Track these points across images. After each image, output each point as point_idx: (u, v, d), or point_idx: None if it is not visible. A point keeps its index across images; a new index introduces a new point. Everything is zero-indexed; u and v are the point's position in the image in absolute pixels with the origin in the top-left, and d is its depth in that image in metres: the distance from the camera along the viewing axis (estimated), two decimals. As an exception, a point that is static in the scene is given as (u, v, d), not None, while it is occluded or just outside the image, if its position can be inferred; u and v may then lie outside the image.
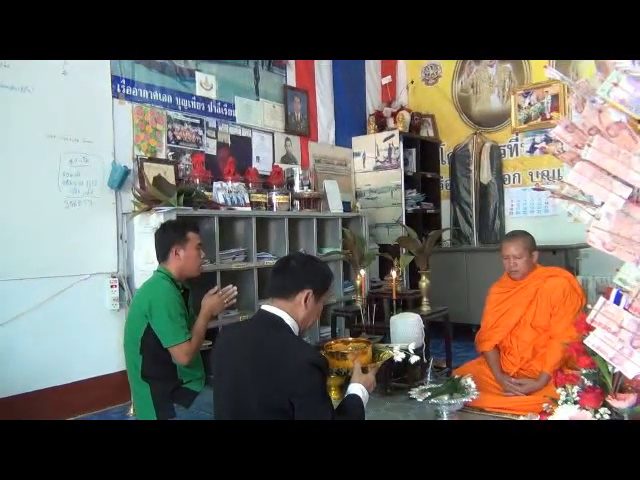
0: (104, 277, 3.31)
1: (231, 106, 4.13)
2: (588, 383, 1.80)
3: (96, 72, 3.30)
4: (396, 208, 5.12)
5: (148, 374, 2.43)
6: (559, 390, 1.88)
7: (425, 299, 3.58)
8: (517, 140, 5.37)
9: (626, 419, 1.70)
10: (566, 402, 1.82)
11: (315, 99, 4.91)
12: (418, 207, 5.41)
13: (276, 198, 4.05)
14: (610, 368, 1.72)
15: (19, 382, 2.93)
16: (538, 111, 5.22)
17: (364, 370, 2.01)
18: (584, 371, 1.81)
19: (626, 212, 1.56)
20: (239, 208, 3.59)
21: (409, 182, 5.30)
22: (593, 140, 1.47)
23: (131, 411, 3.10)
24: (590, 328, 1.89)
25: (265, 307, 1.90)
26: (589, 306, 1.55)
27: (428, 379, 2.95)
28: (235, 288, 2.73)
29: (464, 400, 2.66)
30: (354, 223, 4.52)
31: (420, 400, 2.67)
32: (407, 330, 3.24)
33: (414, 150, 5.42)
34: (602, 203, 1.92)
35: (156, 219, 3.11)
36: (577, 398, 1.78)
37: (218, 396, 1.88)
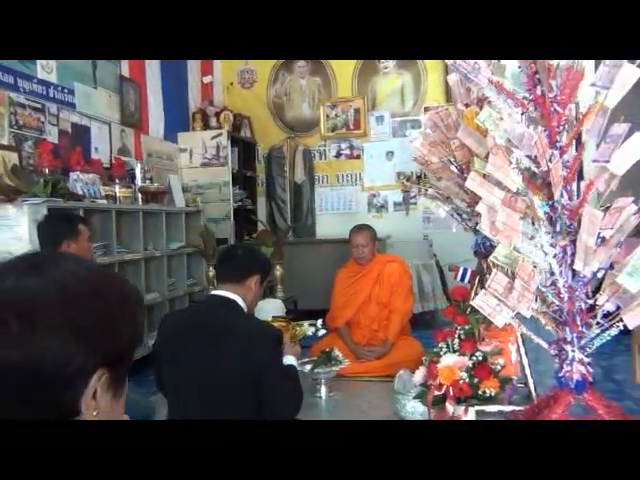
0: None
1: (71, 92, 3.88)
2: (463, 336, 2.44)
3: None
4: (224, 204, 5.36)
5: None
6: (441, 344, 2.48)
7: (279, 286, 3.98)
8: (325, 146, 6.10)
9: (489, 359, 2.38)
10: (448, 351, 2.43)
11: (146, 91, 4.86)
12: (240, 203, 5.74)
13: (120, 191, 3.96)
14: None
15: None
16: (343, 122, 6.02)
17: (290, 344, 2.35)
18: (459, 327, 2.45)
19: (501, 209, 2.22)
20: (98, 200, 3.47)
21: (233, 179, 5.59)
22: (490, 158, 2.08)
23: None
24: (463, 296, 2.57)
25: (217, 292, 2.09)
26: (488, 275, 2.17)
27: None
28: None
29: (341, 367, 3.16)
30: (193, 218, 4.65)
31: (305, 371, 3.06)
32: (273, 313, 3.58)
33: (237, 149, 5.73)
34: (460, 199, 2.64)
35: (20, 211, 2.87)
36: (457, 347, 2.40)
37: (182, 381, 1.96)
